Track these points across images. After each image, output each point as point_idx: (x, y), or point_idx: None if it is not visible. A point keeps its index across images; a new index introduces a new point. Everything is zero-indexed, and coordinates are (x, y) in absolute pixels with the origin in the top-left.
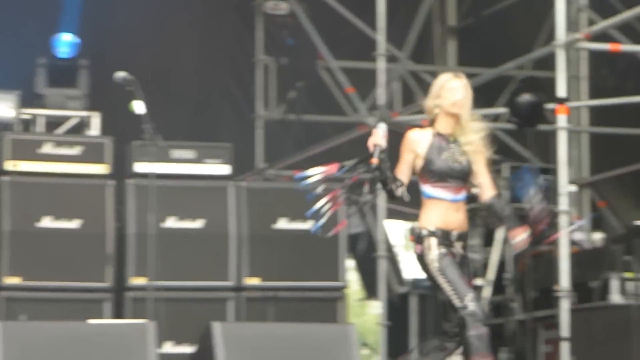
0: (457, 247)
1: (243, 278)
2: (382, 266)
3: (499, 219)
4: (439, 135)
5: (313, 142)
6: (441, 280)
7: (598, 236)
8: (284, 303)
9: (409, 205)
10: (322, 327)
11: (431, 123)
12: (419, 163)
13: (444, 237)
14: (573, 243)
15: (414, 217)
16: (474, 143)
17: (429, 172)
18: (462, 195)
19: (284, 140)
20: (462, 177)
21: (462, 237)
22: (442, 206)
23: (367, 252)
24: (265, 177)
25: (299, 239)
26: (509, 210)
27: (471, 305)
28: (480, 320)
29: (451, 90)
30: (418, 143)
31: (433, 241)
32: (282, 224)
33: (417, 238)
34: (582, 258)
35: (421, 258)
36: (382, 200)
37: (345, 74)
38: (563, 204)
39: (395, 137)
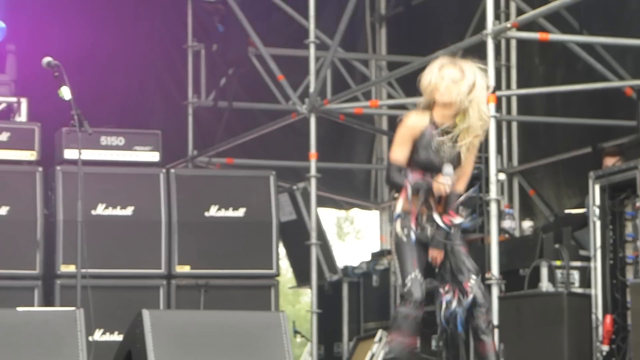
0: (428, 228)
1: (174, 266)
2: (314, 254)
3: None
4: (432, 124)
5: (245, 129)
6: (395, 258)
7: (528, 224)
8: (216, 291)
9: (341, 193)
10: (253, 314)
11: (429, 107)
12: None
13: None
14: (503, 231)
15: (346, 205)
16: (469, 138)
17: (411, 159)
18: None
19: (215, 127)
20: (441, 169)
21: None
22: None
23: (299, 239)
24: (196, 165)
25: (230, 227)
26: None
27: (409, 284)
28: (415, 302)
29: (443, 78)
30: (415, 130)
31: (398, 223)
32: (213, 211)
33: (391, 219)
34: (512, 246)
35: (391, 237)
36: (314, 188)
37: (277, 61)
38: (493, 192)
39: (326, 123)
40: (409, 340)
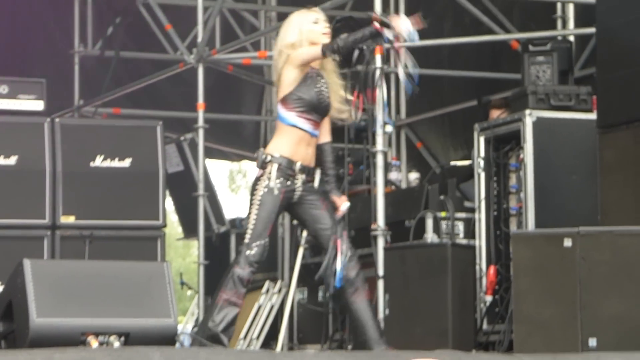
0: (299, 179)
1: (58, 216)
2: (202, 205)
3: (322, 168)
4: (311, 67)
5: (132, 79)
6: (252, 211)
7: (414, 176)
8: (102, 242)
9: (229, 144)
10: (136, 264)
11: None
12: (289, 88)
13: (287, 167)
14: (390, 183)
15: (234, 157)
16: (340, 85)
17: (298, 99)
18: (318, 131)
19: (102, 77)
20: (324, 113)
21: (307, 170)
22: (297, 137)
23: (187, 191)
24: (82, 115)
25: (116, 177)
26: (333, 170)
27: (255, 250)
28: (253, 266)
29: (317, 21)
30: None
31: (274, 168)
32: (99, 161)
33: (261, 163)
34: (398, 197)
35: (256, 181)
36: (201, 139)
37: (165, 11)
38: (379, 144)
39: (215, 73)
40: (234, 298)
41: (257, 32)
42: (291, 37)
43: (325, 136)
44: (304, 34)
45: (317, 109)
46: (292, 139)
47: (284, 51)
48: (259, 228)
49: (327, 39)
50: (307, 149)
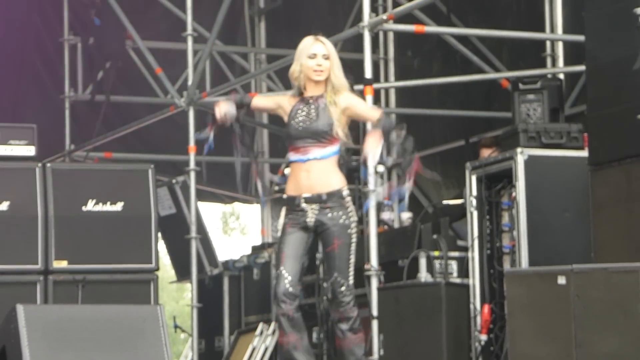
0: (309, 210)
1: (51, 261)
2: (194, 248)
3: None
4: (302, 100)
5: (123, 123)
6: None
7: (407, 216)
8: (95, 286)
9: (221, 187)
10: (130, 308)
11: (299, 92)
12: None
13: (291, 203)
14: (382, 222)
15: (227, 199)
16: (339, 100)
17: (284, 135)
18: (313, 154)
19: (93, 121)
20: (307, 135)
21: (314, 199)
22: (295, 169)
23: (179, 233)
24: (73, 159)
25: (108, 221)
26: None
27: (274, 282)
28: (280, 299)
29: (315, 56)
30: (286, 102)
31: (284, 209)
32: (91, 206)
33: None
34: (391, 237)
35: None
36: (193, 182)
37: (155, 55)
38: (371, 183)
39: (205, 116)
40: (285, 339)
41: (247, 74)
42: (294, 67)
43: (371, 115)
44: (303, 67)
45: (301, 136)
46: (292, 174)
47: (293, 83)
48: (278, 262)
49: (317, 77)
50: (309, 175)
